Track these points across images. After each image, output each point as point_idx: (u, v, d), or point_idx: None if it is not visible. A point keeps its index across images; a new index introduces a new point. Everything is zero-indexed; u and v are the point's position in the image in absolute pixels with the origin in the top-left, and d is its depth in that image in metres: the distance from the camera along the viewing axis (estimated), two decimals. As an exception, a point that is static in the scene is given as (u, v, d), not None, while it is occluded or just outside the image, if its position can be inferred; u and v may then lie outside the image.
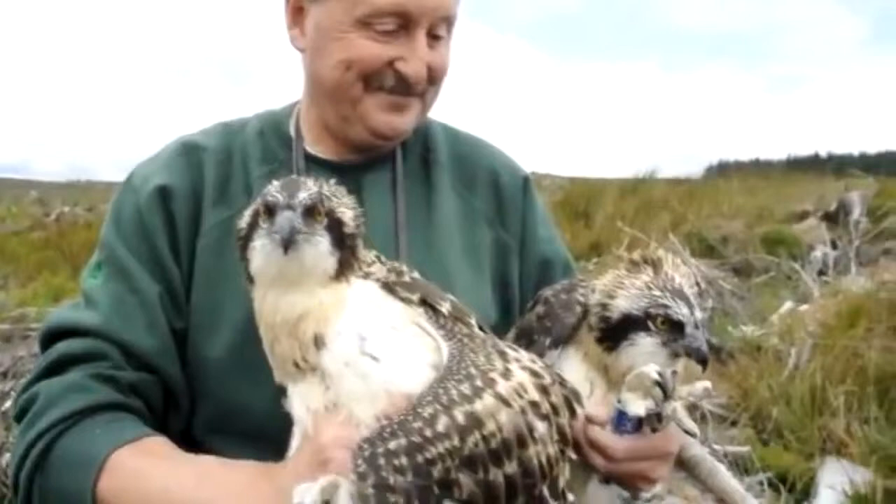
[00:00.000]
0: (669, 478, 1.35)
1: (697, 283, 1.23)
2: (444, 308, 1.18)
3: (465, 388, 1.03)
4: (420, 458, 0.97)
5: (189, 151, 1.52)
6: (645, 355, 1.19)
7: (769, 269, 8.77)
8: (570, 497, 1.13)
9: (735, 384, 5.45)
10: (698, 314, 1.18)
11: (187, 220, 1.46)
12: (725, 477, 1.35)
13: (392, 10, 1.39)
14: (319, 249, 1.13)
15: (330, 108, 1.50)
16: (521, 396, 1.06)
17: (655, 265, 1.23)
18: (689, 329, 1.17)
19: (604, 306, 1.24)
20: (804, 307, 6.96)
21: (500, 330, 1.37)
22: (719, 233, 9.61)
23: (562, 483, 1.10)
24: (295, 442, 1.19)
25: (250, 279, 1.18)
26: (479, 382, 1.04)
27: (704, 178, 16.02)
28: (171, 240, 1.45)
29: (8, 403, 4.23)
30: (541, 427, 1.06)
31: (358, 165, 1.55)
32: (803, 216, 11.11)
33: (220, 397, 1.42)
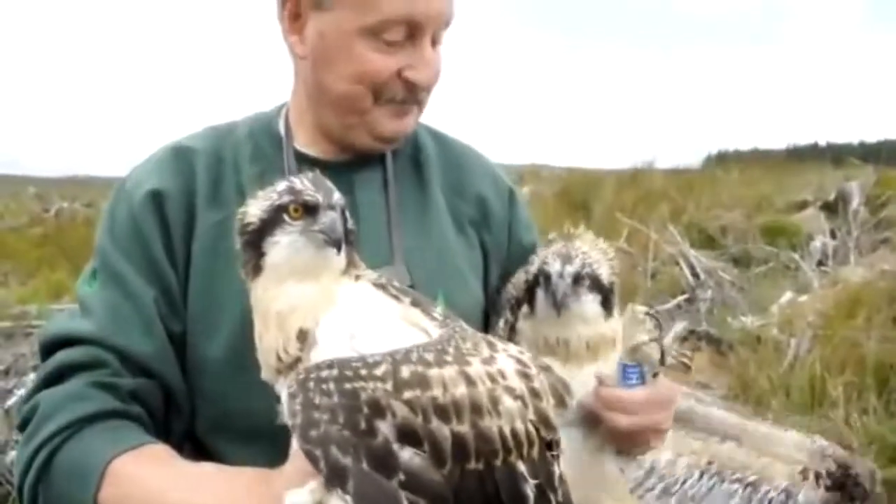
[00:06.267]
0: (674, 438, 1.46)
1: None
2: (436, 313, 1.18)
3: (428, 356, 1.03)
4: (348, 385, 0.99)
5: (180, 155, 1.52)
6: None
7: (769, 259, 8.75)
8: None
9: (735, 375, 5.46)
10: (569, 269, 1.37)
11: (181, 222, 1.46)
12: (720, 415, 1.45)
13: (401, 20, 1.38)
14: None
15: (333, 117, 1.50)
16: (494, 381, 1.04)
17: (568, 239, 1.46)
18: (554, 279, 1.37)
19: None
20: (803, 298, 6.96)
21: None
22: (718, 223, 9.59)
23: (557, 472, 1.08)
24: (294, 444, 1.18)
25: (256, 270, 1.17)
26: (448, 357, 1.03)
27: (703, 168, 15.97)
28: (166, 243, 1.45)
29: (10, 401, 4.23)
30: (509, 403, 1.03)
31: (349, 164, 1.55)
32: (802, 206, 11.09)
33: (220, 398, 1.43)
